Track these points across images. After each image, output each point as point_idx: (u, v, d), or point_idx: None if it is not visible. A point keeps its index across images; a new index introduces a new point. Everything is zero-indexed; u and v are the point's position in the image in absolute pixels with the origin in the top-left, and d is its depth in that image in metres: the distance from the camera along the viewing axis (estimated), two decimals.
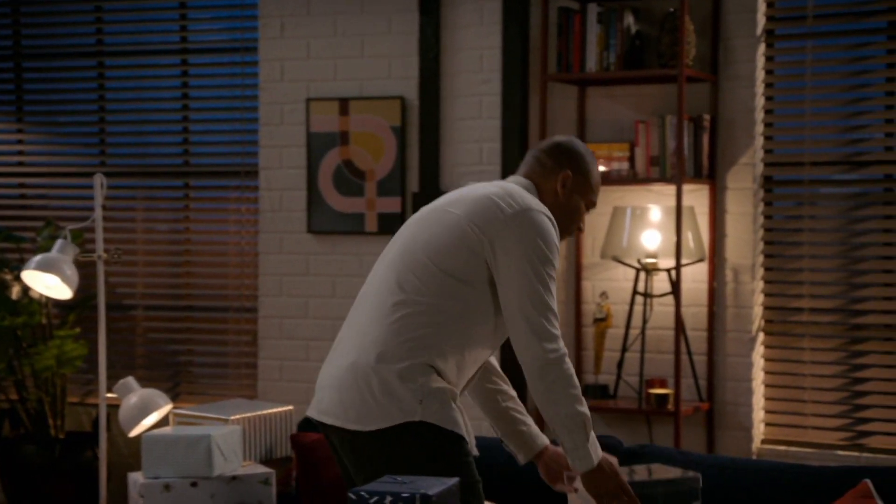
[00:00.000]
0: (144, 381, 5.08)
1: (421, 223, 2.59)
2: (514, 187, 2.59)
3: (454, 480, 2.27)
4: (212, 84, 5.05)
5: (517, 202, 2.52)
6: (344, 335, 2.59)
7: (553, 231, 2.54)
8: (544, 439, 2.80)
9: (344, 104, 4.69)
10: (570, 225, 2.67)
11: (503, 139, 4.48)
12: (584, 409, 2.50)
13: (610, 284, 4.39)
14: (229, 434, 3.23)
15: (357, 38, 4.71)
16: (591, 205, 2.69)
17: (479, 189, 2.58)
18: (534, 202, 2.55)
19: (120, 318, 5.15)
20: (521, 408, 2.79)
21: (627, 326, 4.25)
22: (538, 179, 2.64)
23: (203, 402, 4.93)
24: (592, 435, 2.53)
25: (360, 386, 2.47)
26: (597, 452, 2.53)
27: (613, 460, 2.59)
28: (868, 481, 2.89)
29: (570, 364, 2.50)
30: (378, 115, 4.65)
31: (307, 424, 3.62)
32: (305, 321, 4.79)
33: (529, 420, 2.80)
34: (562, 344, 2.49)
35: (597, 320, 4.32)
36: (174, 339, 5.11)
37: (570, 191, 2.64)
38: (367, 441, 2.46)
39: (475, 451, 2.57)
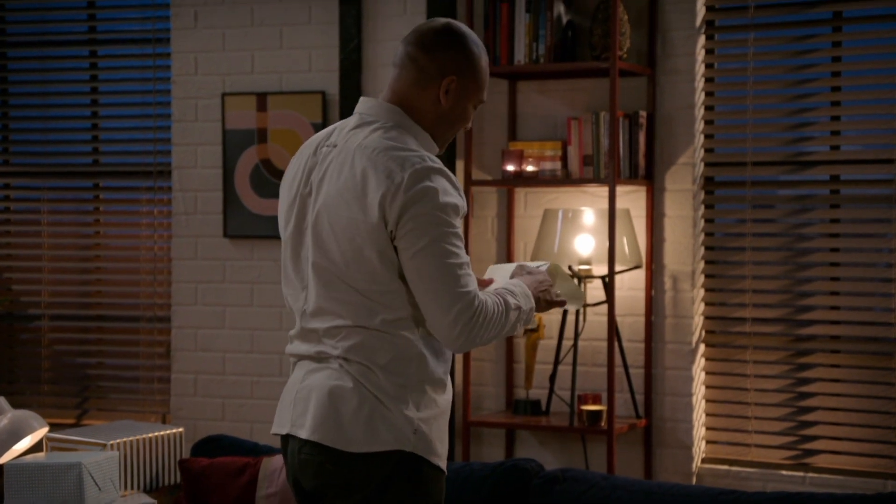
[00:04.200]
0: (50, 396, 4.82)
1: (317, 233, 2.24)
2: (386, 144, 2.21)
3: None
4: (122, 77, 4.74)
5: (400, 169, 2.17)
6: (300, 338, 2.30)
7: (446, 183, 2.21)
8: None
9: (262, 99, 4.39)
10: (454, 132, 2.35)
11: None
12: (512, 316, 2.25)
13: None
14: (105, 461, 2.93)
15: (275, 29, 4.42)
16: (478, 103, 2.33)
17: (353, 165, 2.21)
18: (413, 158, 2.19)
19: (24, 328, 4.82)
20: None
21: (560, 337, 3.97)
22: (414, 96, 2.27)
23: (113, 419, 4.63)
24: (522, 300, 2.29)
25: (344, 401, 2.19)
26: (529, 300, 2.31)
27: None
28: None
29: (481, 308, 2.18)
30: (298, 111, 4.36)
31: (200, 448, 3.32)
32: (222, 332, 4.49)
33: None
34: (471, 298, 2.17)
35: (528, 331, 4.05)
36: (82, 350, 4.78)
37: (455, 97, 2.28)
38: (350, 463, 2.19)
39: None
